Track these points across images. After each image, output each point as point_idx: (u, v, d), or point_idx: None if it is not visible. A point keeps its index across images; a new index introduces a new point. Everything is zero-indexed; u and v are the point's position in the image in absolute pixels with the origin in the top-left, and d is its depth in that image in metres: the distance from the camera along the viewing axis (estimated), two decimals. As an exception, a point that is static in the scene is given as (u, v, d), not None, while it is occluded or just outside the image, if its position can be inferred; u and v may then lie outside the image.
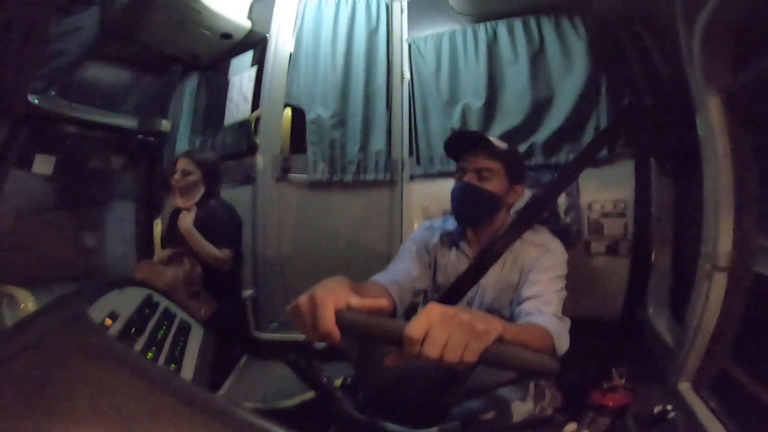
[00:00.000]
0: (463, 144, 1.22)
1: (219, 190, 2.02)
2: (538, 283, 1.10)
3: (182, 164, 1.92)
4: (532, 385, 1.10)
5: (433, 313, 0.61)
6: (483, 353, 0.61)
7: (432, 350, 0.59)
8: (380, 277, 1.14)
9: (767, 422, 0.86)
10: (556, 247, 1.20)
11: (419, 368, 0.68)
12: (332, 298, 0.63)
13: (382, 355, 0.66)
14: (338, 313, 0.62)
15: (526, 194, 1.29)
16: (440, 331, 0.60)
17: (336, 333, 0.61)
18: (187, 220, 1.83)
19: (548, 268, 1.13)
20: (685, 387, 1.05)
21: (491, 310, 1.20)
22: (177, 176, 1.91)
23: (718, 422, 0.89)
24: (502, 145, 1.22)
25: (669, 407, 0.84)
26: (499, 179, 1.19)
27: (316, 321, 0.62)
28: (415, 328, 0.60)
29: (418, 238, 1.31)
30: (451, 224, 1.31)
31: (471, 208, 1.20)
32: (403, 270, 1.20)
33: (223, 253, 1.86)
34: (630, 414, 0.88)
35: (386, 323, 0.63)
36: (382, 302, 0.65)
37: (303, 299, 0.65)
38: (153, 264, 1.83)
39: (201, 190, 1.94)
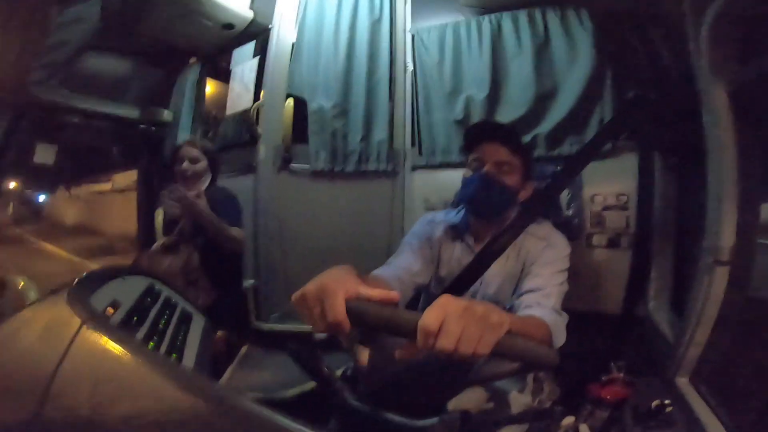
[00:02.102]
0: (486, 134, 1.21)
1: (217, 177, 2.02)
2: (540, 276, 1.10)
3: (189, 152, 1.89)
4: (530, 378, 1.11)
5: (447, 304, 0.60)
6: (495, 345, 0.60)
7: (447, 342, 0.58)
8: (381, 272, 1.13)
9: (764, 417, 0.86)
10: (560, 240, 1.20)
11: (421, 359, 0.68)
12: (342, 288, 0.61)
13: (383, 347, 0.66)
14: (348, 303, 0.60)
15: None
16: (455, 323, 0.58)
17: (346, 323, 0.60)
18: (202, 202, 1.79)
19: (550, 262, 1.13)
20: (683, 381, 1.06)
21: (495, 303, 1.19)
22: (185, 164, 1.86)
23: (715, 417, 0.90)
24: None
25: (667, 401, 0.84)
26: (517, 175, 1.18)
27: (325, 310, 0.60)
28: (430, 319, 0.58)
29: (419, 232, 1.30)
30: (455, 217, 1.30)
31: (488, 200, 1.18)
32: (404, 265, 1.19)
33: (239, 233, 1.87)
34: (628, 407, 0.88)
35: (399, 314, 0.61)
36: (393, 294, 0.64)
37: (311, 288, 0.63)
38: (151, 252, 1.83)
39: (209, 178, 1.94)
